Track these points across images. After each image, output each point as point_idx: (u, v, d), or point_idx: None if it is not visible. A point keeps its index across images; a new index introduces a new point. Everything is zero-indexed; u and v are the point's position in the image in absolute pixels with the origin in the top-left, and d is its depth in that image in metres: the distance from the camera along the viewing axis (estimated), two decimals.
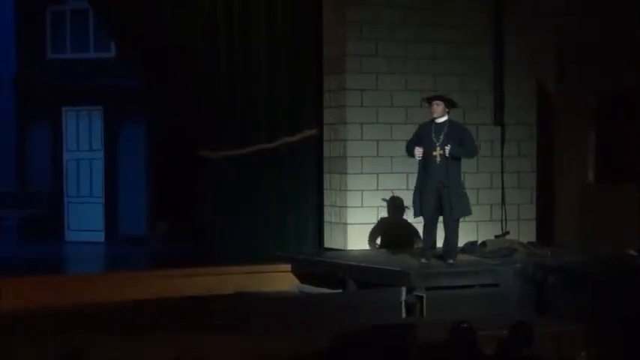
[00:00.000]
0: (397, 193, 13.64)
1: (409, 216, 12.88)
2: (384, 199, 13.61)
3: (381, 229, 13.63)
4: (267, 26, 14.00)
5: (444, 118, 11.93)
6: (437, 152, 11.74)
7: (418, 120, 13.01)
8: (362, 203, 13.68)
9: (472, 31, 14.11)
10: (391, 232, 13.60)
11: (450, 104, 12.01)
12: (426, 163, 11.81)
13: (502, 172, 14.27)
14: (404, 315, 11.18)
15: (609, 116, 14.02)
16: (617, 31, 13.57)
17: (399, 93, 13.80)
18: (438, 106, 11.90)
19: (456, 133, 11.86)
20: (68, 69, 17.32)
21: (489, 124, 14.22)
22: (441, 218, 11.95)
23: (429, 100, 12.02)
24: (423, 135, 11.92)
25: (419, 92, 13.62)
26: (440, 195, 11.75)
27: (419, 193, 11.90)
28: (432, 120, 11.93)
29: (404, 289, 11.26)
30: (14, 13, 17.71)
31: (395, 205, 13.61)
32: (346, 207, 13.64)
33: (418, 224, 12.70)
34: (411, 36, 13.84)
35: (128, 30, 14.01)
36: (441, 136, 11.78)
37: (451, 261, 11.87)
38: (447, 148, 11.68)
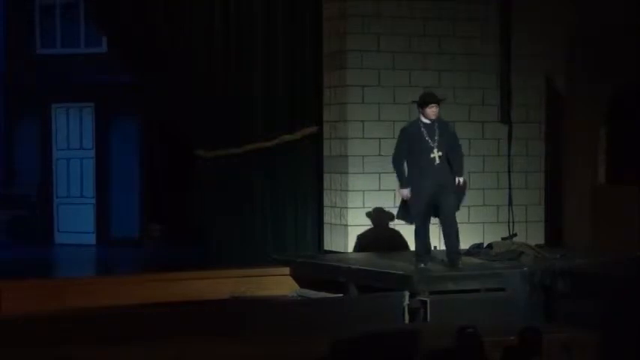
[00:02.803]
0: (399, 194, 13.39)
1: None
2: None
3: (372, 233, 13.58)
4: (265, 20, 13.88)
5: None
6: (435, 154, 11.38)
7: None
8: (363, 204, 13.55)
9: (478, 25, 13.99)
10: (387, 235, 13.55)
11: None
12: (421, 165, 11.43)
13: (509, 172, 14.15)
14: (407, 320, 11.04)
15: (621, 114, 13.82)
16: (630, 26, 13.37)
17: (402, 89, 13.65)
18: (437, 108, 11.51)
19: (446, 131, 11.53)
20: (58, 64, 17.32)
21: (496, 122, 14.10)
22: (435, 220, 11.77)
23: (432, 103, 11.48)
24: (414, 137, 11.48)
25: (423, 89, 13.36)
26: (435, 197, 11.42)
27: (413, 196, 11.49)
28: (424, 120, 11.48)
29: (407, 294, 11.11)
30: (2, 6, 17.67)
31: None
32: (347, 208, 13.55)
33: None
34: (415, 30, 13.73)
35: (121, 28, 13.95)
36: (436, 137, 11.39)
37: (461, 265, 11.64)
38: (460, 179, 11.49)
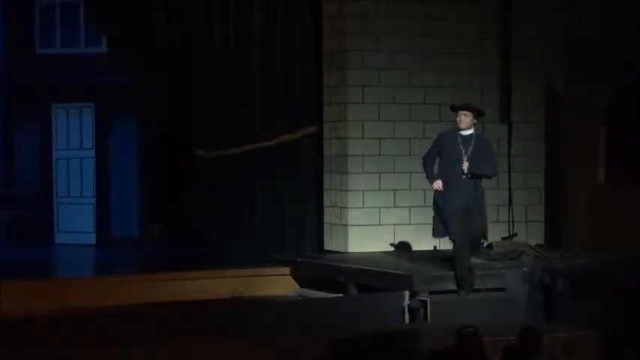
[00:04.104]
0: (399, 194, 13.57)
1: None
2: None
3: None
4: (265, 19, 13.86)
5: (471, 131, 11.03)
6: (464, 168, 10.88)
7: (421, 117, 13.20)
8: (363, 204, 13.52)
9: (478, 26, 13.95)
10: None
11: (478, 114, 11.15)
12: (450, 177, 10.95)
13: (509, 172, 14.05)
14: (407, 320, 11.04)
15: (621, 114, 13.82)
16: (630, 26, 13.37)
17: (401, 89, 13.64)
18: (467, 117, 10.97)
19: (482, 148, 11.03)
20: (58, 64, 17.27)
21: (496, 122, 14.01)
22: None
23: (456, 110, 11.12)
24: (447, 145, 11.02)
25: (422, 89, 13.58)
26: (466, 211, 10.94)
27: (440, 211, 11.02)
28: (457, 130, 11.05)
29: (407, 294, 11.10)
30: (1, 6, 17.63)
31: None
32: (347, 208, 13.52)
33: None
34: (415, 30, 13.69)
35: (121, 28, 13.92)
36: (470, 150, 10.92)
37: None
38: (466, 165, 10.84)
